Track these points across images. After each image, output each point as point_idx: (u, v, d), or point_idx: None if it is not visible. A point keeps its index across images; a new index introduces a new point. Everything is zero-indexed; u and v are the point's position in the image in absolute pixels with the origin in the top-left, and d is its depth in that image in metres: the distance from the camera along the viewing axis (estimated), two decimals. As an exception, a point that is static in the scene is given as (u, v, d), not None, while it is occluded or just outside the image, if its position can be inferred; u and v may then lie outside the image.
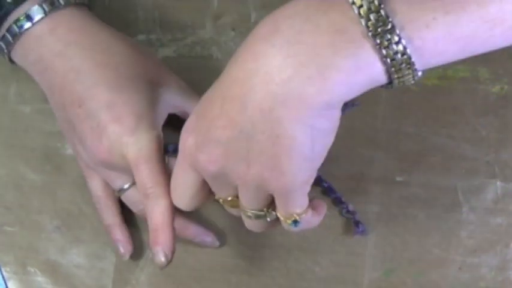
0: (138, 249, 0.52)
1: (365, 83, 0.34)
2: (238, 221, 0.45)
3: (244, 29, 0.54)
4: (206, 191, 0.42)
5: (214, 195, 0.42)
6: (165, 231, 0.43)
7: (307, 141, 0.35)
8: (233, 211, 0.43)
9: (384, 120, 0.53)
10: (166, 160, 0.47)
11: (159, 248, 0.43)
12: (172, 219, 0.44)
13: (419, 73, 0.34)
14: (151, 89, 0.46)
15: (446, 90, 0.53)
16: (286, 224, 0.41)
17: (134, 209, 0.49)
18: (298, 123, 0.34)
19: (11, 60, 0.48)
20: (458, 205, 0.52)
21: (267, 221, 0.42)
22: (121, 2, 0.54)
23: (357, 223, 0.51)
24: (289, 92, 0.34)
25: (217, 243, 0.52)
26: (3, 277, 0.52)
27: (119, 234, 0.51)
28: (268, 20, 0.36)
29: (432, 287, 0.52)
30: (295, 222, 0.40)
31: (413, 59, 0.33)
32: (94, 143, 0.45)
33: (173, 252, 0.44)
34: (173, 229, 0.44)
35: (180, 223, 0.50)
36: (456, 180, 0.52)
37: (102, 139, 0.44)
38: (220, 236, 0.52)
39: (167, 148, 0.52)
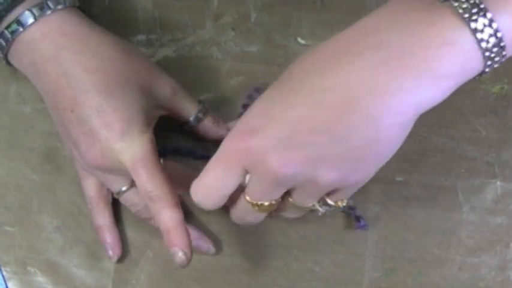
0: (138, 249, 0.52)
1: (464, 81, 0.36)
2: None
3: (244, 29, 0.54)
4: (236, 192, 0.41)
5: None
6: (178, 231, 0.43)
7: (398, 143, 0.36)
8: (259, 215, 0.42)
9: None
10: (162, 162, 0.47)
11: (176, 249, 0.43)
12: (183, 218, 0.44)
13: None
14: (142, 92, 0.46)
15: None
16: (335, 207, 0.41)
17: (133, 210, 0.49)
18: (401, 129, 0.35)
19: (9, 63, 0.48)
20: (458, 205, 0.52)
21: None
22: (121, 2, 0.54)
23: (357, 218, 0.51)
24: (403, 103, 0.34)
25: (212, 251, 0.51)
26: (3, 277, 0.52)
27: (108, 236, 0.51)
28: (365, 30, 0.36)
29: (432, 287, 0.52)
30: (344, 206, 0.42)
31: (505, 52, 0.35)
32: (88, 148, 0.44)
33: (191, 249, 0.43)
34: (186, 227, 0.44)
35: None
36: (456, 180, 0.52)
37: (95, 144, 0.44)
38: (220, 236, 0.52)
39: (167, 148, 0.52)
